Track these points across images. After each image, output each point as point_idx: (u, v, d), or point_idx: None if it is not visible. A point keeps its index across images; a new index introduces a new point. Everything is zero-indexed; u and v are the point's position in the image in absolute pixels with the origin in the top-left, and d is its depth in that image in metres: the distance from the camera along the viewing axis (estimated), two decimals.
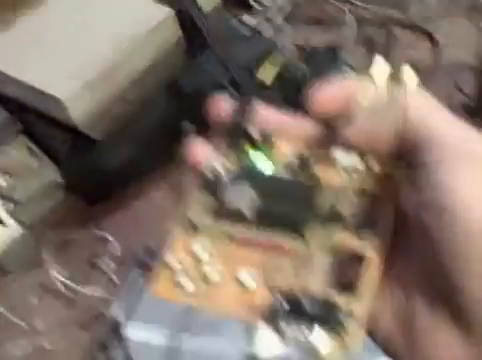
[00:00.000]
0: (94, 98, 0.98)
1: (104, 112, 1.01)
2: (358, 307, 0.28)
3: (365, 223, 0.30)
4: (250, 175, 0.32)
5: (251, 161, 0.33)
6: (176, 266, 0.31)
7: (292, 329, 0.28)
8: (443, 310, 0.25)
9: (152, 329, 0.93)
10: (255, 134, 0.32)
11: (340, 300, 0.29)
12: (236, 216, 0.32)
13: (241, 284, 0.30)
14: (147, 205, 1.10)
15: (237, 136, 0.33)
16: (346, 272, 0.30)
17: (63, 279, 1.04)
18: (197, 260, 0.31)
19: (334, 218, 0.31)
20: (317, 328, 0.28)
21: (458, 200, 0.24)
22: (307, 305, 0.29)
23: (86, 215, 1.10)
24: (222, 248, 0.31)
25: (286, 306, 0.29)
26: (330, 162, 0.32)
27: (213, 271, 0.31)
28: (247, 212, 0.31)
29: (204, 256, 0.31)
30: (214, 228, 0.32)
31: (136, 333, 0.93)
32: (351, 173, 0.31)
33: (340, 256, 0.30)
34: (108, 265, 1.06)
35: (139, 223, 1.09)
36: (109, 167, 1.04)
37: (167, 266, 0.31)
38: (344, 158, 0.31)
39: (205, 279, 0.31)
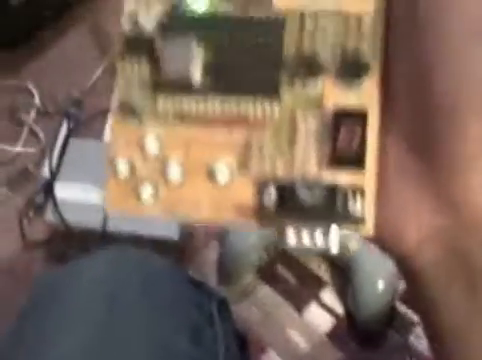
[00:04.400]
0: None
1: None
2: (366, 181, 0.23)
3: (353, 66, 0.23)
4: (186, 19, 0.24)
5: (179, 3, 0.24)
6: (125, 169, 0.24)
7: (295, 232, 0.22)
8: (421, 168, 0.22)
9: (79, 187, 0.89)
10: None
11: (345, 179, 0.23)
12: (182, 85, 0.24)
13: (211, 178, 0.24)
14: (68, 48, 1.01)
15: None
16: (339, 135, 0.23)
17: None
18: (148, 155, 0.24)
19: (313, 66, 0.23)
20: (334, 235, 0.22)
21: None
22: (305, 196, 0.22)
23: (4, 64, 1.01)
24: (173, 133, 0.24)
25: (277, 201, 0.23)
26: None
27: (172, 167, 0.24)
28: (196, 77, 0.24)
29: (154, 149, 0.24)
30: (156, 107, 0.24)
31: (65, 192, 0.89)
32: None
33: (328, 116, 0.23)
34: (30, 117, 0.98)
35: (60, 69, 1.01)
36: (17, 1, 0.94)
37: (115, 171, 0.25)
38: None
39: (164, 179, 0.24)
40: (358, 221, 0.22)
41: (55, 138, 0.94)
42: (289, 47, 0.23)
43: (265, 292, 0.89)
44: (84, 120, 0.98)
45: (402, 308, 0.87)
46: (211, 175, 0.24)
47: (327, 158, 0.23)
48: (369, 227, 0.22)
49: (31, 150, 0.97)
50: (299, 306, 0.88)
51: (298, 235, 0.22)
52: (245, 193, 0.23)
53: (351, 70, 0.23)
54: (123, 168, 0.24)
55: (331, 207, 0.22)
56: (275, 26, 0.23)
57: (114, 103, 0.25)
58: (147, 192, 0.24)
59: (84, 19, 1.01)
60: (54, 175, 0.91)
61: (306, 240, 0.22)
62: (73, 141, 0.94)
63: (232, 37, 0.24)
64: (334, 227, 0.22)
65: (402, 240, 0.22)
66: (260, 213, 0.23)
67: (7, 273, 0.94)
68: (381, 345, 0.86)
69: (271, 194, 0.23)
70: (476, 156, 0.20)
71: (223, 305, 0.60)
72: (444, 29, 0.20)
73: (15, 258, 0.95)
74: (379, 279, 0.84)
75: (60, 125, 0.96)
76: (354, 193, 0.22)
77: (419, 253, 0.22)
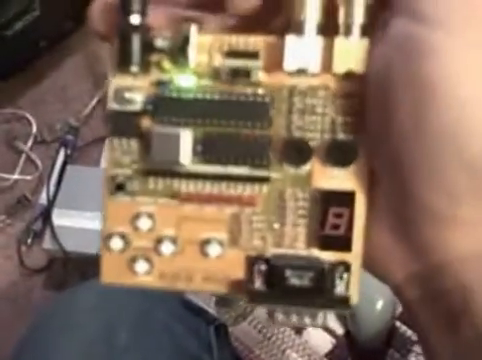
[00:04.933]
0: None
1: None
2: (353, 259, 0.23)
3: (342, 151, 0.23)
4: (174, 100, 0.24)
5: (167, 80, 0.24)
6: (117, 244, 0.24)
7: (284, 312, 0.23)
8: (399, 228, 0.23)
9: (76, 214, 0.89)
10: (161, 42, 0.24)
11: (332, 257, 0.23)
12: (172, 167, 0.24)
13: (202, 252, 0.24)
14: (64, 77, 1.02)
15: (133, 47, 0.23)
16: (327, 217, 0.23)
17: None
18: (141, 230, 0.24)
19: (301, 147, 0.23)
20: (321, 315, 0.23)
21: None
22: (294, 279, 0.23)
23: (1, 93, 1.01)
24: (164, 210, 0.24)
25: (266, 284, 0.23)
26: (277, 58, 0.23)
27: (164, 242, 0.24)
28: (184, 161, 0.24)
29: (147, 224, 0.24)
30: (147, 186, 0.24)
31: (62, 219, 0.89)
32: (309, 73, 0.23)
33: (316, 195, 0.24)
34: (27, 145, 0.98)
35: (57, 98, 1.01)
36: (13, 31, 0.93)
37: (108, 246, 0.25)
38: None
39: (157, 252, 0.24)
40: (343, 301, 0.23)
41: (52, 166, 0.94)
42: (278, 128, 0.23)
43: (264, 313, 0.89)
44: (81, 147, 0.98)
45: (402, 327, 0.87)
46: (203, 249, 0.24)
47: (315, 240, 0.23)
48: (353, 301, 0.23)
49: (28, 178, 0.97)
50: (298, 327, 0.88)
51: (287, 315, 0.23)
52: (236, 267, 0.24)
53: (340, 156, 0.23)
54: (117, 243, 0.24)
55: (319, 291, 0.23)
56: (262, 107, 0.23)
57: (104, 177, 0.25)
58: (141, 266, 0.24)
59: (79, 48, 1.01)
60: (51, 202, 0.91)
61: (294, 319, 0.23)
62: (70, 168, 0.94)
63: (220, 119, 0.24)
64: (321, 313, 0.23)
65: (389, 277, 0.23)
66: (250, 294, 0.23)
67: (6, 300, 0.94)
68: None
69: (261, 273, 0.23)
70: (439, 220, 0.22)
71: (221, 330, 0.60)
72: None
73: (14, 285, 0.95)
74: (378, 299, 0.84)
75: (57, 153, 0.96)
76: (340, 272, 0.23)
77: (406, 289, 0.23)
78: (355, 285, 0.23)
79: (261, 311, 0.89)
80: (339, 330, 0.87)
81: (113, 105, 0.24)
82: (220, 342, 0.58)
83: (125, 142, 0.24)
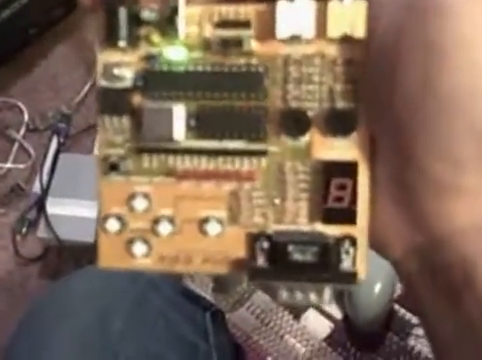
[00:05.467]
0: None
1: None
2: (358, 232, 0.22)
3: (342, 121, 0.22)
4: (165, 74, 0.23)
5: (157, 54, 0.23)
6: (114, 226, 0.24)
7: (288, 289, 0.22)
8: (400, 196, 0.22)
9: (70, 202, 0.89)
10: (148, 14, 0.23)
11: (337, 231, 0.22)
12: (166, 144, 0.23)
13: (201, 231, 0.23)
14: (54, 64, 1.01)
15: (120, 17, 0.22)
16: (330, 190, 0.22)
17: None
18: (137, 211, 0.24)
19: (299, 118, 0.22)
20: (327, 291, 0.22)
21: None
22: (297, 255, 0.22)
23: None
24: (160, 189, 0.24)
25: (268, 260, 0.22)
26: (269, 26, 0.22)
27: (162, 222, 0.23)
28: (179, 136, 0.23)
29: (143, 205, 0.24)
30: (141, 165, 0.24)
31: (56, 207, 0.89)
32: (308, 40, 0.22)
33: (317, 168, 0.23)
34: (19, 133, 0.98)
35: (48, 85, 1.01)
36: (1, 19, 0.93)
37: (105, 228, 0.24)
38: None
39: (155, 233, 0.24)
40: (350, 276, 0.22)
41: (45, 154, 0.94)
42: (274, 98, 0.23)
43: (261, 299, 0.88)
44: (73, 135, 0.98)
45: (400, 310, 0.87)
46: (201, 228, 0.23)
47: (318, 214, 0.23)
48: (361, 276, 0.22)
49: (21, 166, 0.97)
50: (296, 312, 0.88)
51: (291, 292, 0.22)
52: (236, 245, 0.23)
53: (340, 125, 0.22)
54: (113, 225, 0.24)
55: (323, 266, 0.22)
56: (256, 77, 0.23)
57: (96, 158, 0.24)
58: (139, 247, 0.24)
59: (69, 35, 1.00)
60: (45, 191, 0.91)
61: (299, 297, 0.22)
62: (63, 156, 0.93)
63: (213, 92, 0.23)
64: (327, 289, 0.22)
65: (389, 250, 0.23)
66: (252, 271, 0.22)
67: (2, 290, 0.94)
68: (380, 348, 0.86)
69: (263, 250, 0.22)
70: (442, 190, 0.21)
71: (217, 316, 0.60)
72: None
73: (9, 274, 0.95)
74: (376, 282, 0.84)
75: (49, 141, 0.95)
76: (346, 247, 0.22)
77: (406, 262, 0.22)
78: (363, 259, 0.22)
79: (259, 297, 0.89)
80: (337, 314, 0.87)
81: (102, 82, 0.23)
82: (217, 328, 0.58)
83: (116, 120, 0.23)
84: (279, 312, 0.88)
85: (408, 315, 0.86)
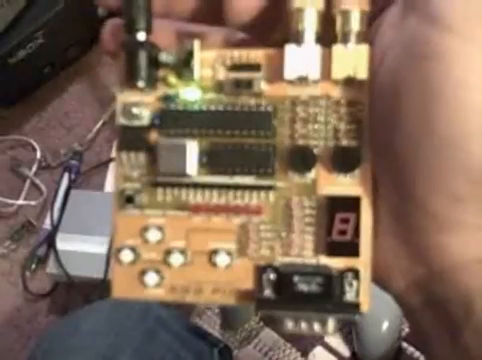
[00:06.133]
0: None
1: None
2: (361, 264, 0.23)
3: (346, 158, 0.23)
4: (180, 113, 0.24)
5: (173, 94, 0.24)
6: (128, 257, 0.25)
7: (293, 320, 0.23)
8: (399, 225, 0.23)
9: (80, 238, 0.88)
10: (165, 57, 0.24)
11: (341, 263, 0.23)
12: (179, 179, 0.24)
13: (211, 262, 0.24)
14: (67, 102, 1.02)
15: (140, 63, 0.24)
16: (333, 223, 0.23)
17: None
18: (151, 242, 0.25)
19: (306, 155, 0.24)
20: (331, 322, 0.23)
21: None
22: (303, 285, 0.23)
23: (5, 120, 1.02)
24: (173, 222, 0.25)
25: (275, 291, 0.23)
26: (278, 68, 0.23)
27: (174, 254, 0.24)
28: (191, 171, 0.24)
29: (156, 237, 0.25)
30: (155, 198, 0.25)
31: (66, 243, 0.89)
32: (311, 83, 0.23)
33: (322, 202, 0.24)
34: (31, 170, 0.99)
35: (61, 123, 1.02)
36: (16, 59, 0.93)
37: (119, 260, 0.25)
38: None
39: (167, 264, 0.25)
40: (353, 307, 0.23)
41: (56, 190, 0.95)
42: (282, 136, 0.24)
43: (269, 336, 0.88)
44: (85, 172, 0.99)
45: (409, 348, 0.86)
46: (212, 259, 0.24)
47: (323, 247, 0.23)
48: (364, 308, 0.23)
49: (33, 203, 0.97)
50: (304, 349, 0.88)
51: (296, 322, 0.23)
52: (244, 276, 0.24)
53: (344, 162, 0.23)
54: (127, 255, 0.25)
55: (328, 297, 0.23)
56: (265, 116, 0.24)
57: (113, 191, 0.25)
58: (151, 278, 0.25)
59: (83, 74, 1.01)
60: (55, 227, 0.91)
61: (304, 327, 0.23)
62: (74, 193, 0.94)
63: (224, 130, 0.24)
64: (331, 319, 0.23)
65: (392, 283, 0.23)
66: (259, 301, 0.23)
67: (11, 326, 0.93)
68: None
69: (269, 281, 0.23)
70: (442, 224, 0.22)
71: (225, 353, 0.60)
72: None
73: (18, 311, 0.95)
74: (384, 320, 0.84)
75: (61, 177, 0.96)
76: (349, 279, 0.23)
77: (408, 296, 0.23)
78: (366, 292, 0.23)
79: (266, 334, 0.88)
80: (345, 352, 0.87)
81: (121, 120, 0.25)
82: None
83: (133, 156, 0.24)
84: (286, 349, 0.88)
85: (416, 353, 0.86)
